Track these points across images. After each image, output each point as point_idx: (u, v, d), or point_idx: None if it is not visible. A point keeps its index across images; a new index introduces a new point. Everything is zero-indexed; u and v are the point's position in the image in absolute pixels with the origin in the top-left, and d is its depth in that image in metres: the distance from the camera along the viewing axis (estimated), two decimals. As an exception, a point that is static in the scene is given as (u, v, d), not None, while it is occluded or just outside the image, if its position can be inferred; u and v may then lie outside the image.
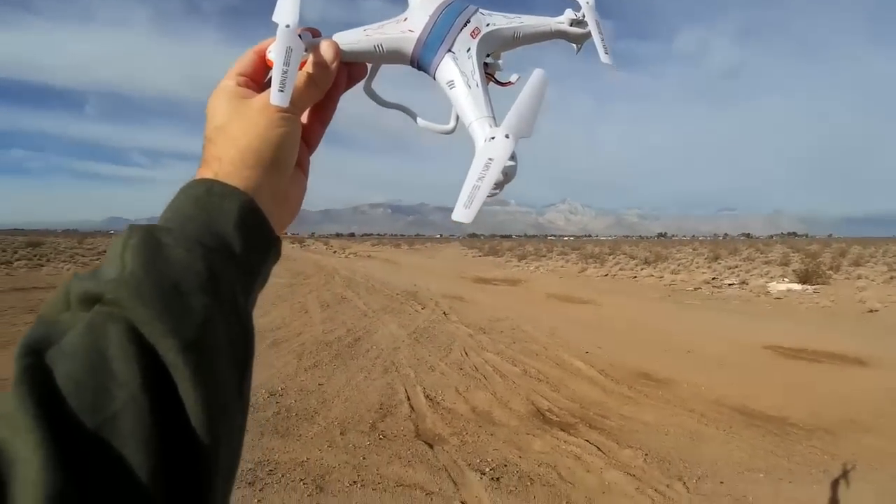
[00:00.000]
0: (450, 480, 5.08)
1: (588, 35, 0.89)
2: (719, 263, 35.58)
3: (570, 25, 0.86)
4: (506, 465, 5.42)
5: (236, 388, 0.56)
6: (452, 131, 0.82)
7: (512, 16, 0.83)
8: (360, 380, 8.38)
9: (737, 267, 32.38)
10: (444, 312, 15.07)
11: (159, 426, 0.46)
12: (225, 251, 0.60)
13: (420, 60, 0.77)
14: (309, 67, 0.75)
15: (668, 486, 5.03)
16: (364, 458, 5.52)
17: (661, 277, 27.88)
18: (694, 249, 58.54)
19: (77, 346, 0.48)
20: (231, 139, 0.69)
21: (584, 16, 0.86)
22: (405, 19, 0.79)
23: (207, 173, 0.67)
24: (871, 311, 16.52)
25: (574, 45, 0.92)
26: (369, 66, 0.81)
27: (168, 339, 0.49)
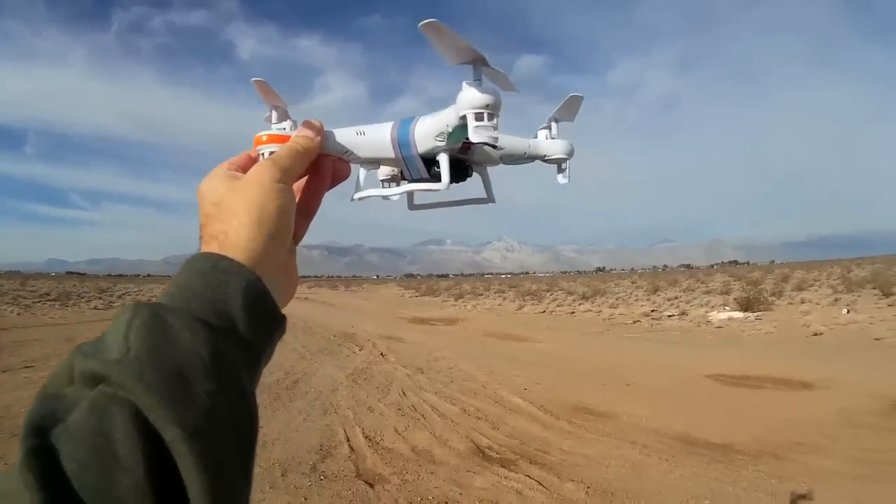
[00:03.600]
0: None
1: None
2: (659, 295, 36.22)
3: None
4: (447, 503, 5.59)
5: (241, 468, 0.58)
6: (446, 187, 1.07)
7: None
8: (300, 421, 8.52)
9: (677, 298, 33.04)
10: (382, 353, 15.28)
11: None
12: (231, 332, 0.63)
13: (400, 141, 1.01)
14: (296, 136, 0.86)
15: (609, 518, 5.24)
16: (305, 499, 5.64)
17: (600, 312, 28.37)
18: (633, 282, 59.12)
19: (82, 427, 0.51)
20: (231, 212, 0.73)
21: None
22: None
23: (212, 247, 0.70)
24: (815, 334, 17.04)
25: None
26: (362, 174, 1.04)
27: (173, 426, 0.52)
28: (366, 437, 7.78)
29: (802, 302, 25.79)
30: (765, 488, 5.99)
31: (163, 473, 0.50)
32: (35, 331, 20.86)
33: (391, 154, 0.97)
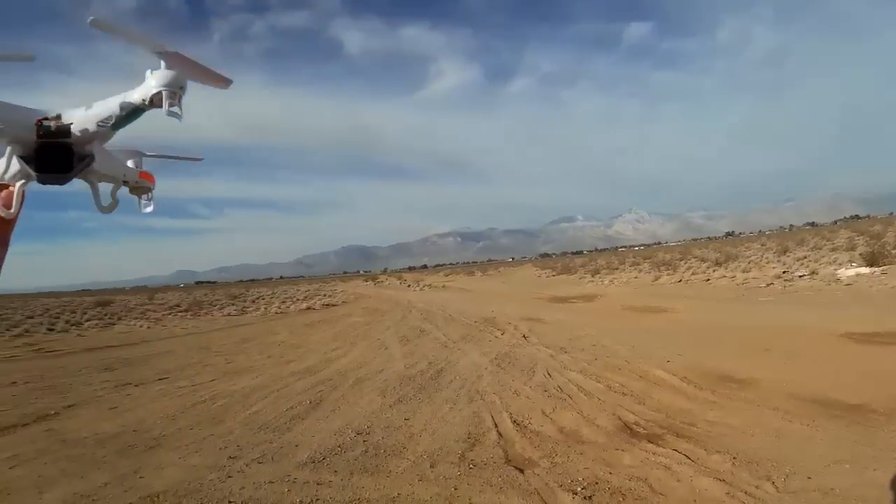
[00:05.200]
0: (542, 503, 5.28)
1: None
2: (788, 256, 35.87)
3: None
4: (597, 483, 5.62)
5: None
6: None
7: None
8: (447, 411, 8.68)
9: (805, 257, 32.65)
10: (524, 335, 15.47)
11: None
12: None
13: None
14: None
15: (757, 487, 5.25)
16: (455, 489, 5.72)
17: (734, 277, 28.40)
18: (762, 245, 58.01)
19: None
20: None
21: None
22: None
23: None
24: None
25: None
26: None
27: None
28: (513, 421, 7.88)
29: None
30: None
31: None
32: (167, 343, 21.63)
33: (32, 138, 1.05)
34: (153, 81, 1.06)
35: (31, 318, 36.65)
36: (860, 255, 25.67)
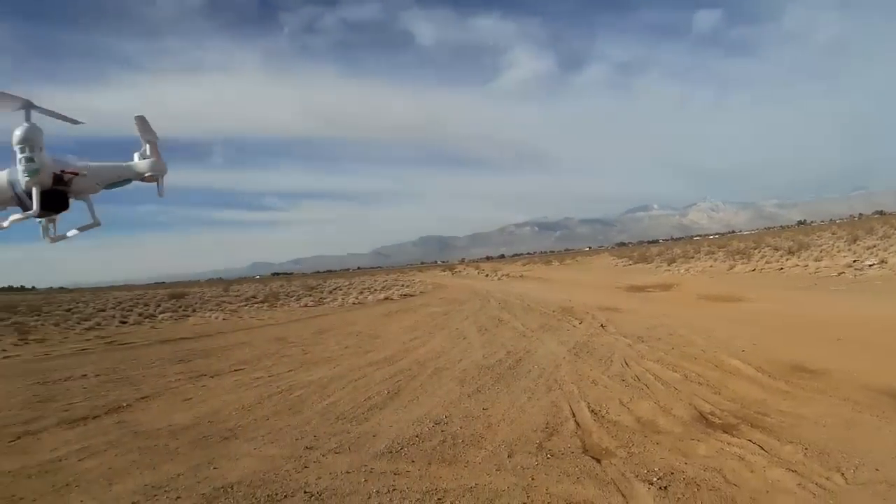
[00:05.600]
0: (618, 493, 5.40)
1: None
2: (858, 245, 35.41)
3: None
4: (672, 473, 5.74)
5: None
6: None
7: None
8: (525, 400, 8.84)
9: (875, 246, 32.28)
10: (601, 325, 15.62)
11: None
12: None
13: (12, 181, 1.27)
14: None
15: (827, 478, 5.34)
16: (533, 479, 5.85)
17: (806, 266, 28.25)
18: (833, 233, 57.08)
19: None
20: None
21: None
22: None
23: None
24: None
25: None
26: None
27: None
28: (591, 411, 8.02)
29: None
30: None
31: None
32: (243, 334, 22.13)
33: (11, 194, 1.29)
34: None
35: (103, 311, 37.49)
36: (928, 244, 25.14)
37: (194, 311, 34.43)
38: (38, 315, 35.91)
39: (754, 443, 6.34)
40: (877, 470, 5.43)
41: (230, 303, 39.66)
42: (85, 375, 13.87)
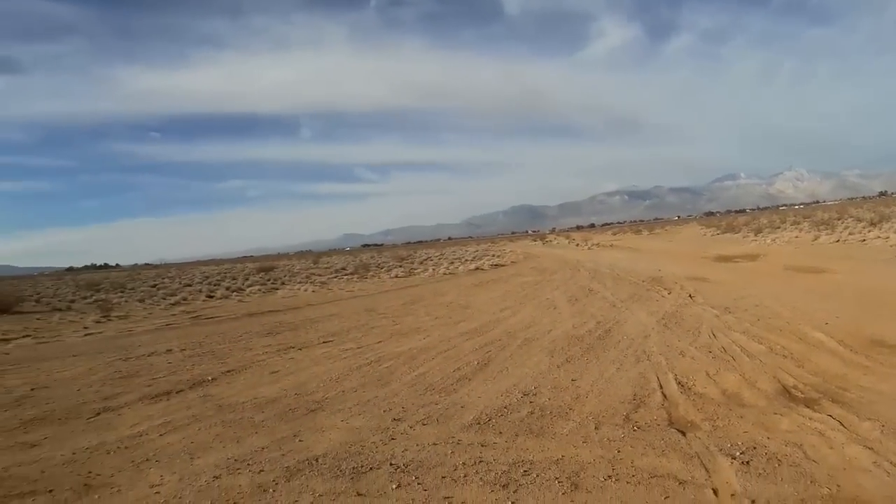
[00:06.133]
0: (702, 467, 5.52)
1: None
2: None
3: None
4: (755, 448, 5.84)
5: None
6: None
7: None
8: (613, 372, 9.04)
9: None
10: (690, 295, 15.75)
11: None
12: None
13: None
14: None
15: (902, 457, 5.39)
16: (619, 452, 6.00)
17: (888, 238, 27.90)
18: None
19: None
20: None
21: None
22: None
23: None
24: None
25: None
26: None
27: None
28: (678, 383, 8.18)
29: None
30: None
31: None
32: (333, 306, 22.50)
33: None
34: None
35: (189, 285, 38.41)
36: None
37: (283, 283, 34.93)
38: (122, 291, 37.16)
39: (834, 418, 6.40)
40: (952, 449, 5.46)
41: (320, 275, 40.35)
42: (170, 350, 14.35)
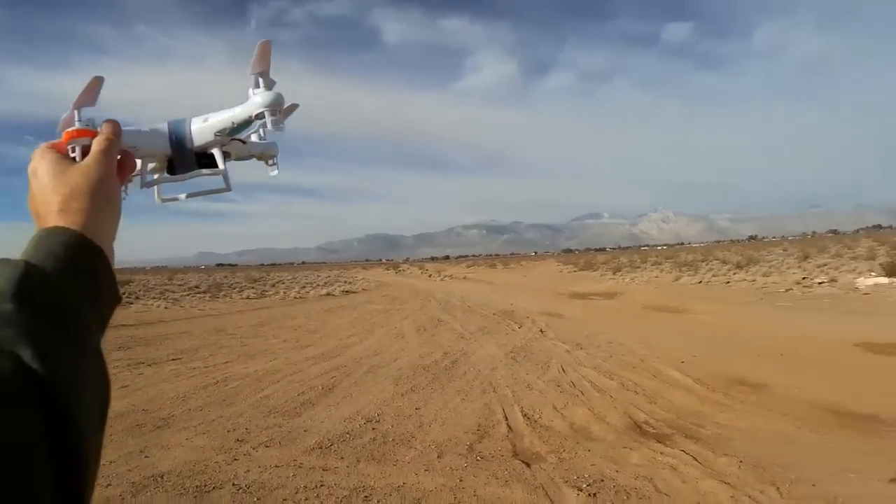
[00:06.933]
0: (546, 498, 5.35)
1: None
2: (809, 262, 36.67)
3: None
4: (602, 480, 5.70)
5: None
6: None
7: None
8: (458, 402, 8.80)
9: (826, 265, 33.28)
10: (541, 330, 15.65)
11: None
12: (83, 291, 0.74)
13: (177, 137, 1.20)
14: (105, 131, 0.99)
15: (761, 491, 5.31)
16: (461, 481, 5.81)
17: (754, 281, 28.88)
18: (784, 250, 59.50)
19: None
20: (85, 194, 0.87)
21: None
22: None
23: (69, 221, 0.82)
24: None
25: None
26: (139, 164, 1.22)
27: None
28: (524, 415, 7.99)
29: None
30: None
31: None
32: (184, 323, 21.81)
33: (168, 149, 1.20)
34: (258, 99, 1.19)
35: None
36: (880, 265, 25.79)
37: (137, 298, 33.92)
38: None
39: (688, 453, 6.31)
40: (813, 486, 5.43)
41: (174, 292, 39.18)
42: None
